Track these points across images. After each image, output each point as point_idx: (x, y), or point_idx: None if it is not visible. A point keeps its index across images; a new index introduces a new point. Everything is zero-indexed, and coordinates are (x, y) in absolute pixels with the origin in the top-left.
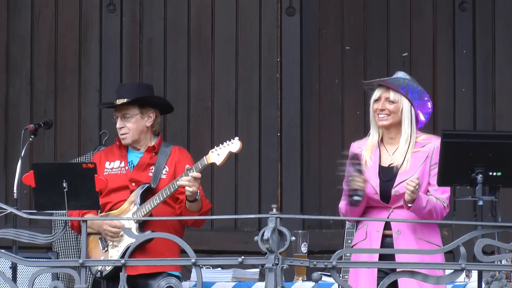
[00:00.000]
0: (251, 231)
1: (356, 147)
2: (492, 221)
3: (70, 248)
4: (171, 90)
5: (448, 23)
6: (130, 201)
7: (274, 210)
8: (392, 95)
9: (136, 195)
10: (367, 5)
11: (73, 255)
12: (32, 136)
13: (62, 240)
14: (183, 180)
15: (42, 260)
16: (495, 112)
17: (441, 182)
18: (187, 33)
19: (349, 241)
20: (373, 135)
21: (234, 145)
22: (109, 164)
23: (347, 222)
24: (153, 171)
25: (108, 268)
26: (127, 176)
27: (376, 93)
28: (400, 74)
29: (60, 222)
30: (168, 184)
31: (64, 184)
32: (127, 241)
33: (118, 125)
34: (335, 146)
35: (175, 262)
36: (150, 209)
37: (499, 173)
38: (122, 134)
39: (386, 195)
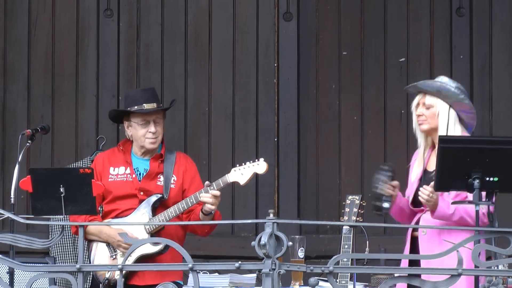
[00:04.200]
0: (248, 236)
1: (413, 159)
2: (489, 226)
3: (67, 253)
4: (168, 95)
5: (445, 29)
6: (141, 211)
7: (271, 215)
8: (427, 99)
9: (147, 205)
10: (364, 11)
11: (71, 260)
12: (29, 141)
13: (60, 245)
14: (204, 197)
15: (39, 265)
16: (492, 117)
17: (438, 187)
18: (184, 38)
19: (346, 246)
20: (421, 143)
21: (260, 166)
22: (114, 170)
23: (344, 227)
24: (161, 180)
25: (117, 276)
26: (134, 184)
27: (415, 100)
28: (441, 79)
29: (57, 227)
30: (177, 194)
31: (61, 189)
32: (138, 251)
33: (152, 129)
34: (332, 151)
35: (172, 268)
36: (164, 221)
37: (496, 179)
38: (153, 139)
39: (418, 200)
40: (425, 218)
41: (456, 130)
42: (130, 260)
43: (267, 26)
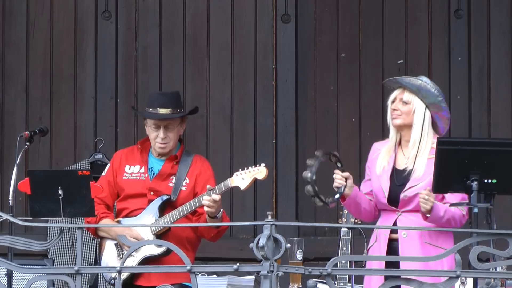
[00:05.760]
0: (247, 238)
1: (376, 148)
2: (487, 228)
3: (65, 255)
4: None
5: (443, 31)
6: (148, 212)
7: (270, 217)
8: (405, 95)
9: (155, 206)
10: (362, 13)
11: (69, 262)
12: (28, 143)
13: (58, 247)
14: (205, 200)
15: (38, 267)
16: (490, 119)
17: (436, 189)
18: (182, 40)
19: (344, 248)
20: (392, 138)
21: (260, 172)
22: (129, 168)
23: (342, 229)
24: (173, 181)
25: (124, 276)
26: (145, 183)
27: (393, 94)
28: (424, 79)
29: (56, 229)
30: (187, 196)
31: (60, 191)
32: (144, 251)
33: (161, 135)
34: None
35: (170, 270)
36: (169, 223)
37: (494, 180)
38: (163, 144)
39: (394, 199)
40: (402, 221)
41: (429, 132)
42: (135, 261)
43: (265, 28)
